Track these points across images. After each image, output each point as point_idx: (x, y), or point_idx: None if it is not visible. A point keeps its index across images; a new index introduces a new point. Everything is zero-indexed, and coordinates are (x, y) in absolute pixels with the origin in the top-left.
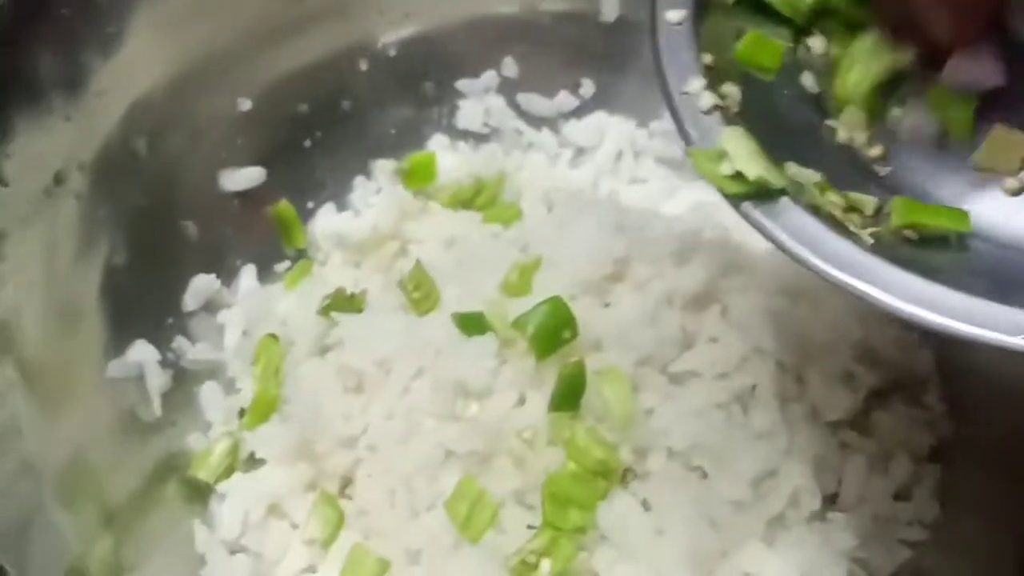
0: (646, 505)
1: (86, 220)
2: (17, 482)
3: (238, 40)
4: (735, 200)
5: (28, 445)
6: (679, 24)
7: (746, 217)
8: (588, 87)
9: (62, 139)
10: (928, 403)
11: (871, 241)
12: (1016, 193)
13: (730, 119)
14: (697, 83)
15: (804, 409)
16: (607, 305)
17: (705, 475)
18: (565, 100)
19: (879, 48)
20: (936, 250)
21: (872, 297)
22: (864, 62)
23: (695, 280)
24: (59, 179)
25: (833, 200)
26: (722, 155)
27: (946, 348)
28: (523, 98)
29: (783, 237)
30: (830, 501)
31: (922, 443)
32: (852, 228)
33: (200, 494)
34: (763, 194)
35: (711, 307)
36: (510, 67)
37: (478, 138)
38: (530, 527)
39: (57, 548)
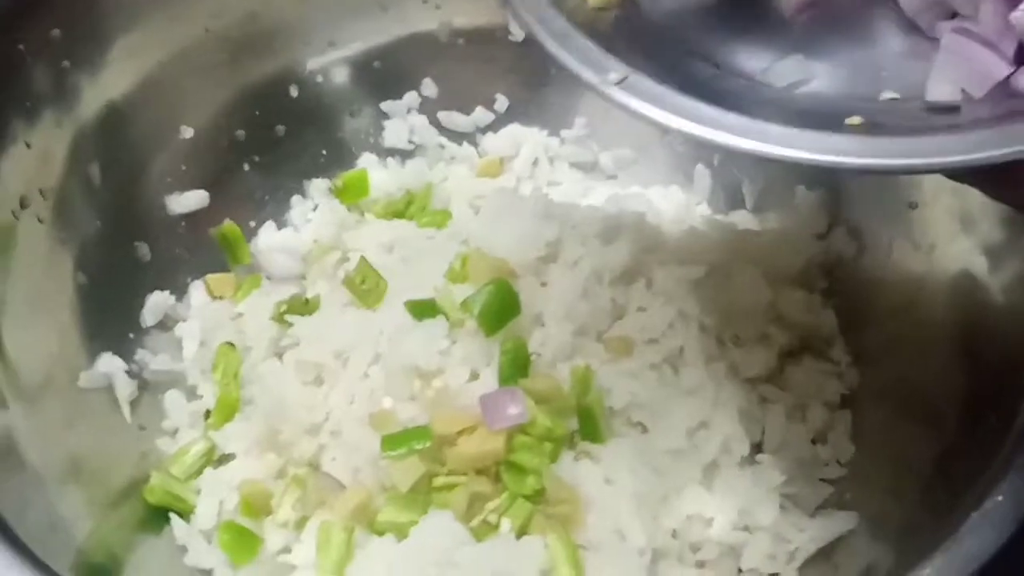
0: (594, 459)
1: (52, 241)
2: (24, 489)
3: (178, 73)
4: None
5: (28, 455)
6: None
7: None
8: (502, 102)
9: (24, 165)
10: (835, 357)
11: None
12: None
13: None
14: None
15: (726, 367)
16: (544, 284)
17: (645, 429)
18: (482, 115)
19: None
20: None
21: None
22: None
23: (621, 257)
24: (24, 203)
25: None
26: None
27: (846, 306)
28: (443, 115)
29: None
30: (756, 448)
31: (833, 392)
32: None
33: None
34: None
35: (638, 280)
36: (429, 87)
37: (404, 154)
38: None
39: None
